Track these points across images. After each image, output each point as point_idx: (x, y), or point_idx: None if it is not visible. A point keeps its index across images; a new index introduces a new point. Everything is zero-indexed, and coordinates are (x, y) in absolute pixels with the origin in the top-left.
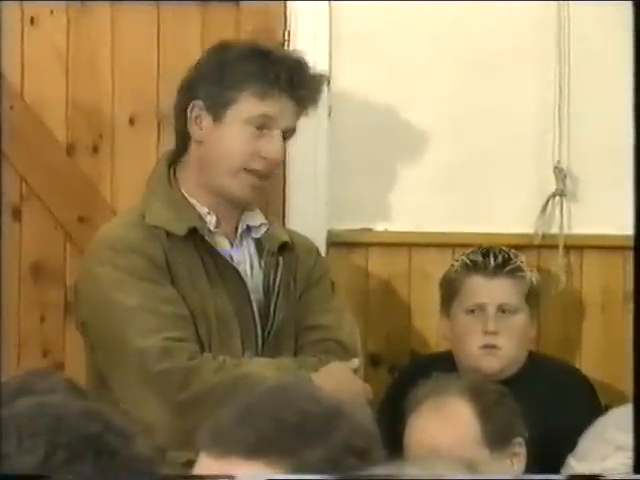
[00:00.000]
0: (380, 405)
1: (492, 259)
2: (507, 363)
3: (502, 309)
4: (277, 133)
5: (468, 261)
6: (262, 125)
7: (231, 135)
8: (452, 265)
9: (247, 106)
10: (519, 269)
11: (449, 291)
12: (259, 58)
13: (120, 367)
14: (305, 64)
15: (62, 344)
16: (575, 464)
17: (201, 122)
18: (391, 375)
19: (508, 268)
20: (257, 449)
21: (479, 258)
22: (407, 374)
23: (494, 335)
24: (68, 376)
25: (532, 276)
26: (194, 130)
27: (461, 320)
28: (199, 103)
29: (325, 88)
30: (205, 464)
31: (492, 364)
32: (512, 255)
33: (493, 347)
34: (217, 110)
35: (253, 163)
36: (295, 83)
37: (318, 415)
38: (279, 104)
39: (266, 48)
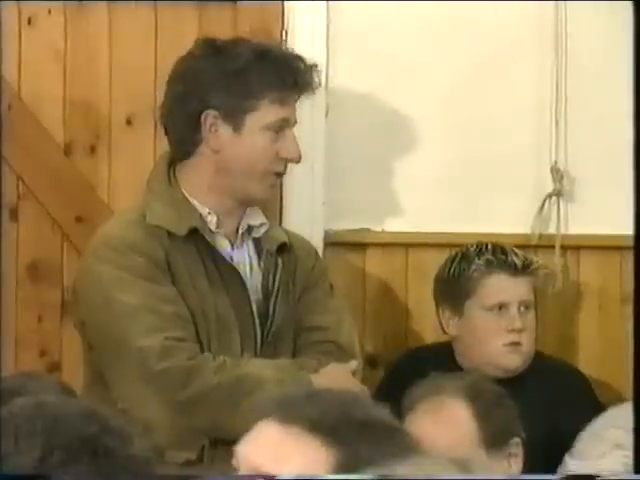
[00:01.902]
0: (374, 397)
1: (514, 257)
2: (527, 359)
3: (523, 306)
4: (291, 132)
5: (493, 259)
6: (279, 128)
7: (252, 143)
8: (455, 263)
9: (268, 113)
10: (541, 267)
11: (461, 289)
12: (269, 63)
13: (120, 366)
14: (305, 59)
15: (59, 344)
16: (572, 462)
17: (217, 131)
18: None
19: (533, 267)
20: (320, 426)
21: (500, 256)
22: (402, 366)
23: (519, 333)
24: (62, 377)
25: (543, 272)
26: (210, 139)
27: (480, 318)
28: (214, 112)
29: (322, 86)
30: (264, 428)
31: (515, 361)
32: (514, 250)
33: (518, 344)
34: (236, 120)
35: (275, 166)
36: (310, 83)
37: (382, 422)
38: (295, 106)
39: (266, 48)
